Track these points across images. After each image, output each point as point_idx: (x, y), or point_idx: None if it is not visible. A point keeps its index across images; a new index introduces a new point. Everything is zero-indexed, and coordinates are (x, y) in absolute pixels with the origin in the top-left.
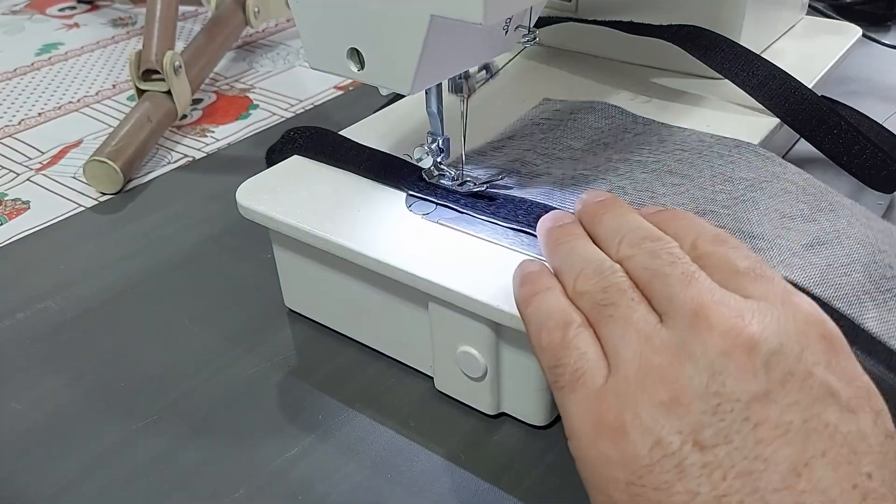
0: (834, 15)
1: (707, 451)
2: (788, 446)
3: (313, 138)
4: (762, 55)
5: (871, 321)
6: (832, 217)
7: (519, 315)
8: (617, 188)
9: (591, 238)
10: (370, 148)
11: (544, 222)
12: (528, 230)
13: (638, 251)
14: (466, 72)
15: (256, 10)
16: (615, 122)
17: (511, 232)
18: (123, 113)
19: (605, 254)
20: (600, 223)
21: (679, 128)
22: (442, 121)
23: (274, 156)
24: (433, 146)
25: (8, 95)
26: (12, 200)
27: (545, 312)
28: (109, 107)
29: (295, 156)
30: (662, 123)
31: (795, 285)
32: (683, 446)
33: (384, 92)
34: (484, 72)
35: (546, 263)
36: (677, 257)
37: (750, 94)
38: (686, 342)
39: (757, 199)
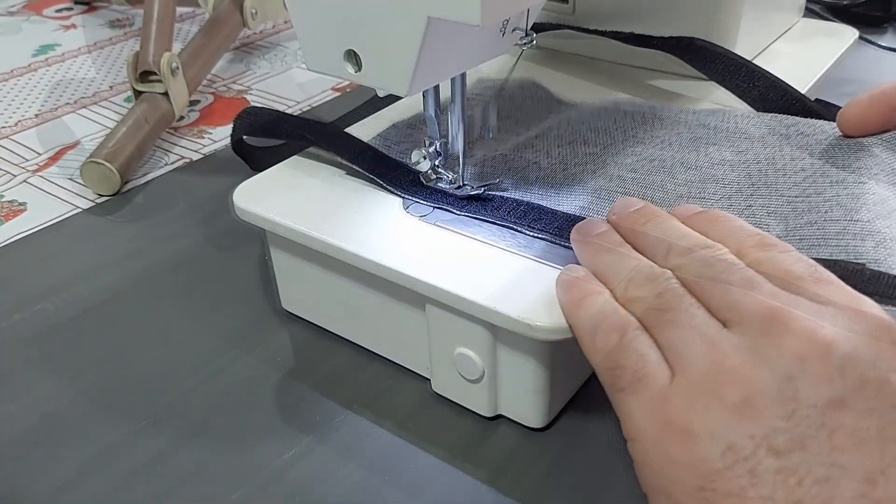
0: (830, 17)
1: (782, 457)
2: (864, 453)
3: (262, 120)
4: (759, 58)
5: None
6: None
7: (565, 319)
8: (532, 164)
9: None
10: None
11: (578, 231)
12: (525, 231)
13: (689, 260)
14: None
15: (254, 11)
16: (540, 104)
17: (508, 233)
18: (120, 114)
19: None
20: (642, 233)
21: (599, 100)
22: (439, 124)
23: (237, 146)
24: (430, 150)
25: (4, 97)
26: (9, 202)
27: (598, 316)
28: (106, 108)
29: (291, 158)
30: (583, 103)
31: None
32: (757, 451)
33: (381, 94)
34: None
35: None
36: (732, 263)
37: (751, 106)
38: (758, 346)
39: (664, 157)
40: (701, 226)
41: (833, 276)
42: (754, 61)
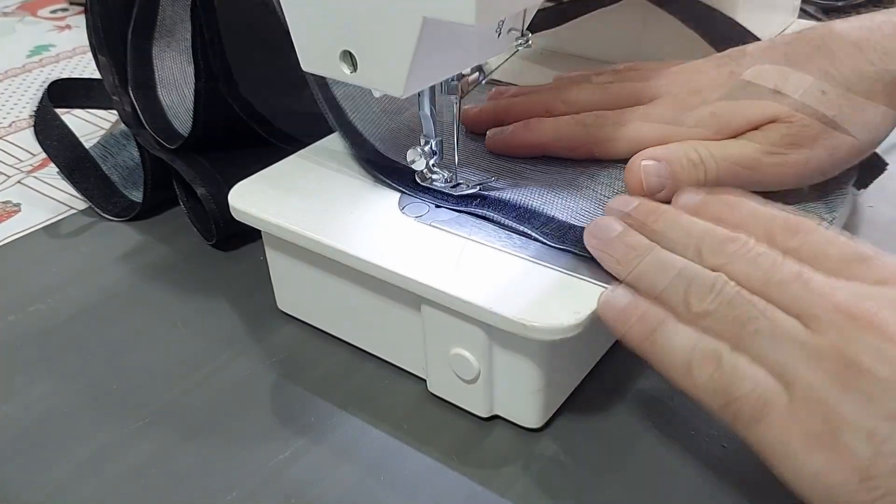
0: (825, 18)
1: None
2: None
3: None
4: None
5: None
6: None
7: (641, 356)
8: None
9: None
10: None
11: (594, 236)
12: (521, 230)
13: (728, 258)
14: (460, 74)
15: None
16: None
17: (504, 234)
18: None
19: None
20: (656, 231)
21: None
22: (435, 123)
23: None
24: (426, 148)
25: None
26: (3, 203)
27: (680, 349)
28: (101, 109)
29: (288, 157)
30: None
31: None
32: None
33: (377, 94)
34: (477, 74)
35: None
36: (774, 259)
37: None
38: (850, 342)
39: None
40: (713, 214)
41: (868, 247)
42: None
